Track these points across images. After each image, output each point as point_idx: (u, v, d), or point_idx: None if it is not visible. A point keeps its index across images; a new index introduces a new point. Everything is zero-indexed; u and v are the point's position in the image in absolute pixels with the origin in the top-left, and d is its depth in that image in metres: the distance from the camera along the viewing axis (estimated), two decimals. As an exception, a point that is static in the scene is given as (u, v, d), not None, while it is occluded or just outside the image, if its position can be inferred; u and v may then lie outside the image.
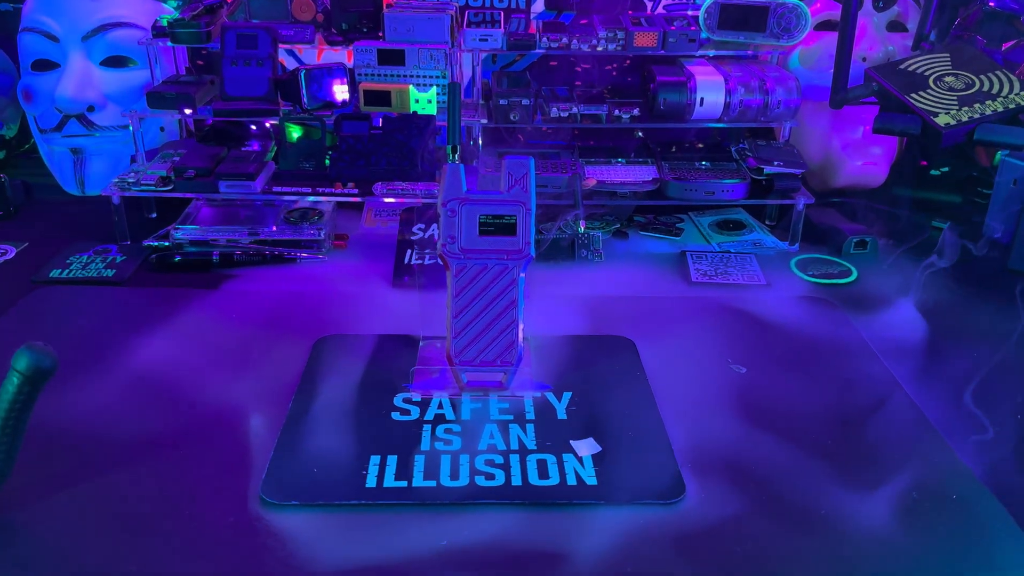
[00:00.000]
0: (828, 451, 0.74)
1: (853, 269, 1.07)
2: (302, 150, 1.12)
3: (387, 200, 1.09)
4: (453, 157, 0.78)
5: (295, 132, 1.14)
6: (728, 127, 1.18)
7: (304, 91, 1.12)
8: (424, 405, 0.78)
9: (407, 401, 0.79)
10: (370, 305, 0.97)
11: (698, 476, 0.71)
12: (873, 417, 0.79)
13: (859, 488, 0.70)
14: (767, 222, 1.20)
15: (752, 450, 0.74)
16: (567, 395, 0.80)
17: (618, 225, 1.16)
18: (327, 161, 1.11)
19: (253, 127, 1.34)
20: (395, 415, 0.76)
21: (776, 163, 1.10)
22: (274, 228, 1.08)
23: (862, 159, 1.23)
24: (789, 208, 1.13)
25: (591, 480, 0.69)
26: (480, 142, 1.18)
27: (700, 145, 1.29)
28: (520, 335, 0.78)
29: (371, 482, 0.68)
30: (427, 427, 0.75)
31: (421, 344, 0.87)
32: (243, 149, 1.20)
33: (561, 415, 0.77)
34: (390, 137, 1.10)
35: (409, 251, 1.04)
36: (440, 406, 0.78)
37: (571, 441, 0.73)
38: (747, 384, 0.84)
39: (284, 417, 0.76)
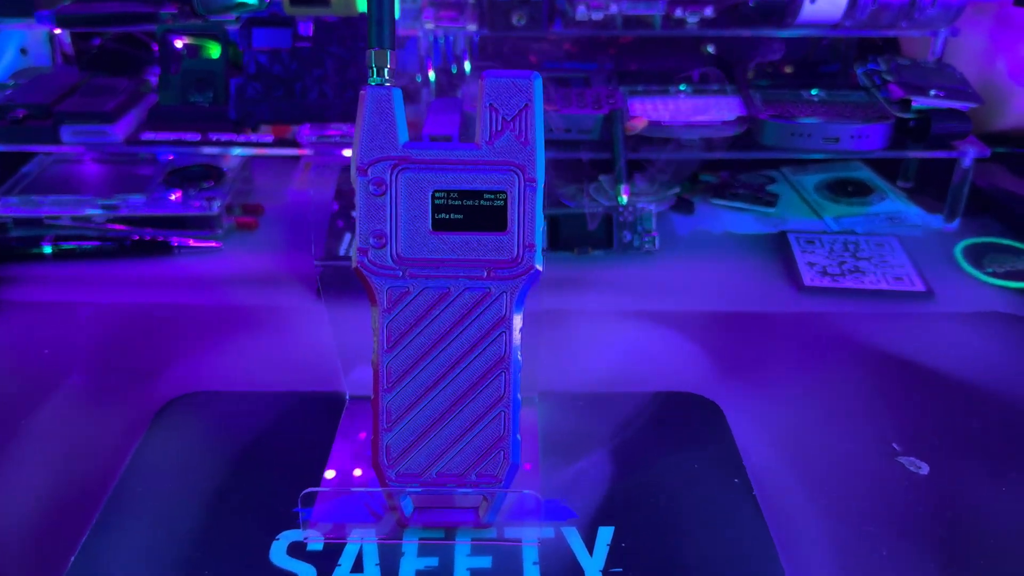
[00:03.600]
0: None
1: (1055, 262, 0.67)
2: (192, 76, 0.73)
3: (344, 152, 0.70)
4: (378, 75, 0.39)
5: (213, 49, 0.75)
6: (850, 36, 0.78)
7: (197, -16, 0.73)
8: (327, 562, 0.40)
9: (295, 553, 0.41)
10: (274, 332, 0.59)
11: None
12: None
13: None
14: (899, 183, 0.80)
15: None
16: (606, 535, 0.42)
17: (677, 190, 0.76)
18: (229, 92, 0.72)
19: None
20: (266, 589, 0.39)
21: (934, 92, 0.69)
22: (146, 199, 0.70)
23: (1038, 88, 0.82)
24: (937, 164, 0.73)
25: None
26: (467, 64, 0.78)
27: (788, 69, 0.89)
28: (514, 426, 0.40)
29: None
30: (324, 625, 0.37)
31: (345, 416, 0.50)
32: (120, 79, 0.81)
33: (595, 590, 0.39)
34: (325, 54, 0.71)
35: (348, 237, 0.65)
36: (358, 566, 0.40)
37: (617, 671, 0.35)
38: (935, 496, 0.45)
39: (49, 592, 0.39)
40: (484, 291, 0.39)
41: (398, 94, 0.38)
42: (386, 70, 0.39)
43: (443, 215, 0.39)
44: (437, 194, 0.39)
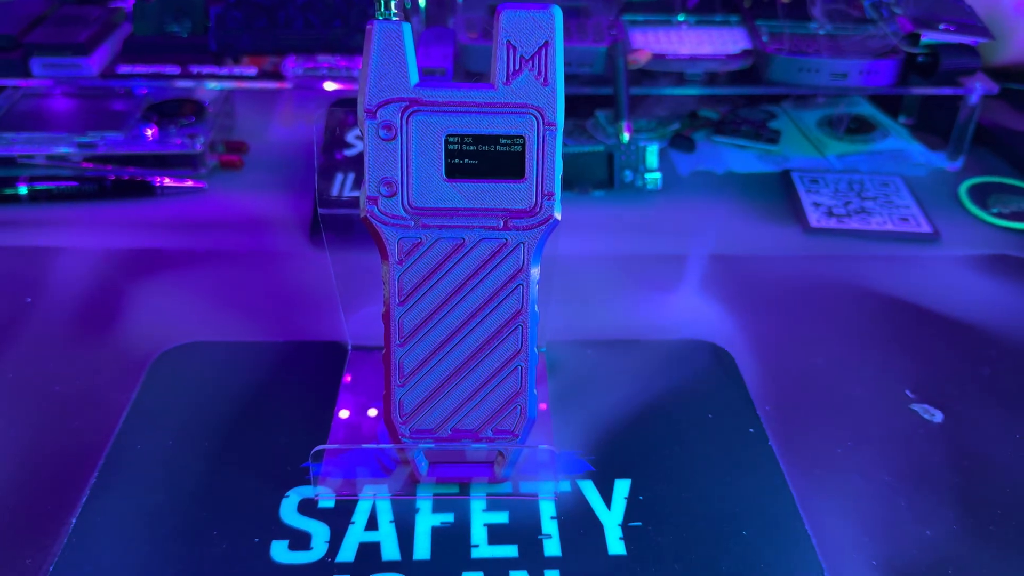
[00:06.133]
0: None
1: (1059, 202, 0.67)
2: (169, 4, 0.69)
3: (327, 86, 0.67)
4: (385, 7, 0.36)
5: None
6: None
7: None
8: (340, 520, 0.39)
9: (306, 510, 0.40)
10: (268, 279, 0.57)
11: None
12: None
13: None
14: (901, 119, 0.79)
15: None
16: (623, 486, 0.41)
17: (677, 126, 0.74)
18: (208, 21, 0.68)
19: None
20: (277, 550, 0.38)
21: (943, 26, 0.67)
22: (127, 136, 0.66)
23: (1043, 21, 0.80)
24: (940, 99, 0.71)
25: None
26: (460, -10, 0.74)
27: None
28: (531, 380, 0.39)
29: None
30: (340, 586, 0.36)
31: (348, 367, 0.48)
32: (89, 6, 0.76)
33: (615, 545, 0.38)
34: (310, -19, 0.67)
35: (339, 177, 0.63)
36: (372, 523, 0.39)
37: (643, 630, 0.35)
38: (949, 444, 0.45)
39: (54, 557, 0.37)
40: (501, 242, 0.37)
41: (407, 29, 0.36)
42: (393, 3, 0.36)
43: (457, 160, 0.36)
44: (451, 139, 0.36)
